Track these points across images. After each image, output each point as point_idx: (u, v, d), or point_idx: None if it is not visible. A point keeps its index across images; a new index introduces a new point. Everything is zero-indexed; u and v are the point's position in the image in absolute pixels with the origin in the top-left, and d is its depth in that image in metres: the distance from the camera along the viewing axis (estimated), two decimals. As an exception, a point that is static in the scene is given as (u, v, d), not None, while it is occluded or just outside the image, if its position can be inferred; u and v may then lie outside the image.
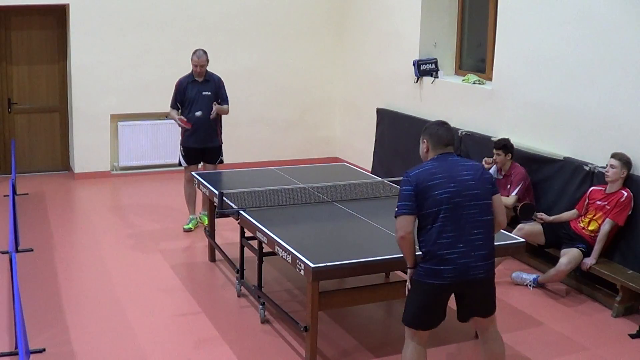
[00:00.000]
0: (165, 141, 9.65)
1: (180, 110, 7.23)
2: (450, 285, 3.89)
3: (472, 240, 3.83)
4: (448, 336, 5.09)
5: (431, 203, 3.82)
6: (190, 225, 7.33)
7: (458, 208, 3.82)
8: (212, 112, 7.11)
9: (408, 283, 4.07)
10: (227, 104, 7.34)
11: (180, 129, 7.31)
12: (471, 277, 3.85)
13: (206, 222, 6.83)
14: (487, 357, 4.15)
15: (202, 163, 7.43)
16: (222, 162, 7.48)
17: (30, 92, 9.33)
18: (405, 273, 5.70)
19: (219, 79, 7.30)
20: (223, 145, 7.47)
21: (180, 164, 7.39)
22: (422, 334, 4.04)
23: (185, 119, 7.09)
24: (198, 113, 7.10)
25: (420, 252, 3.94)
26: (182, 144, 7.29)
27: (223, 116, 7.47)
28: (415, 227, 3.92)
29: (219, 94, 7.26)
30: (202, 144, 7.24)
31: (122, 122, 9.45)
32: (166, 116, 9.55)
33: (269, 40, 9.96)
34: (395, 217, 3.90)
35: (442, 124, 4.09)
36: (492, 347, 4.12)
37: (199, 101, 7.14)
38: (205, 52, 7.19)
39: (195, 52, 7.16)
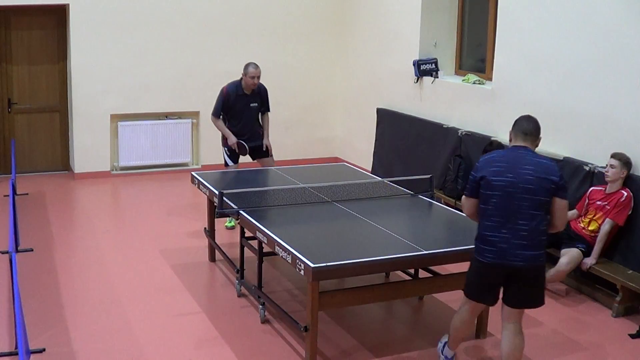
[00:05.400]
0: (165, 141, 9.64)
1: (223, 119, 7.32)
2: (492, 266, 4.11)
3: (517, 230, 4.03)
4: (448, 336, 5.09)
5: (486, 186, 4.11)
6: (233, 223, 7.27)
7: (510, 197, 4.05)
8: (264, 145, 7.46)
9: None
10: (269, 111, 7.54)
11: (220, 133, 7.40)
12: (509, 263, 4.04)
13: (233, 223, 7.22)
14: (505, 351, 4.26)
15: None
16: (272, 156, 7.64)
17: (30, 92, 9.32)
18: (405, 273, 5.76)
19: (265, 89, 7.44)
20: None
21: (226, 164, 7.46)
22: (472, 305, 4.35)
23: (241, 143, 7.25)
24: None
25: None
26: (227, 145, 7.35)
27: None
28: None
29: (264, 103, 7.45)
30: (247, 143, 7.36)
31: (122, 122, 9.44)
32: (165, 116, 9.59)
33: (269, 40, 9.95)
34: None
35: (529, 117, 4.29)
36: (510, 342, 4.26)
37: (246, 113, 7.32)
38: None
39: (249, 64, 7.18)
